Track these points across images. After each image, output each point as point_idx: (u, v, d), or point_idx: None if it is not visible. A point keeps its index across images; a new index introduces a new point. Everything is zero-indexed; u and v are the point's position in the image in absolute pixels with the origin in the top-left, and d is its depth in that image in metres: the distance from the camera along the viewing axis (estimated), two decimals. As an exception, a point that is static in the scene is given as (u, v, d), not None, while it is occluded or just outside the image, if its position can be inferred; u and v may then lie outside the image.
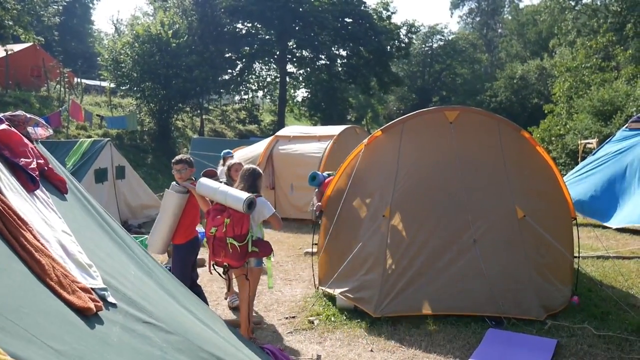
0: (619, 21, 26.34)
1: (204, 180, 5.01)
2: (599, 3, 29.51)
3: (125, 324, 2.17)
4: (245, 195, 4.65)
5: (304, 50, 36.52)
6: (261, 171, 5.27)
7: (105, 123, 22.51)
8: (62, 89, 25.93)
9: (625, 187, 10.52)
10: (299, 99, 42.67)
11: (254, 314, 5.58)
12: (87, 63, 41.01)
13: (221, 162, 9.73)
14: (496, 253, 5.59)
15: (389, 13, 37.92)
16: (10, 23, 24.14)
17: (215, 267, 4.91)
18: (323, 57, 36.40)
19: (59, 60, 30.33)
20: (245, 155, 12.83)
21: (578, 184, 11.09)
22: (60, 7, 36.49)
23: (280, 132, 13.94)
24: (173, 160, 5.48)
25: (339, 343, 5.12)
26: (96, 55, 27.62)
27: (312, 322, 5.68)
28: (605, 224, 10.36)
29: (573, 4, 30.16)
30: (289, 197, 12.51)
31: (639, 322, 5.28)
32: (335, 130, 12.99)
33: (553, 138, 22.44)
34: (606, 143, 12.06)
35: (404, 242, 5.73)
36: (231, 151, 10.54)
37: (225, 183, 5.34)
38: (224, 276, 5.25)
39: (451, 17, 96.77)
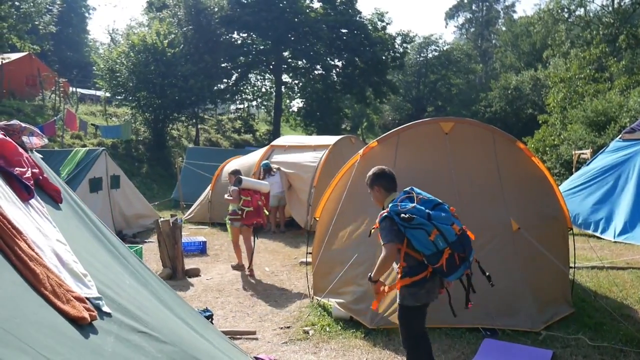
0: (612, 33, 26.60)
1: (244, 178, 8.33)
2: (591, 15, 29.78)
3: (119, 334, 2.15)
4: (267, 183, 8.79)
5: (299, 61, 36.57)
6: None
7: (100, 132, 22.47)
8: (57, 98, 25.90)
9: (621, 199, 10.57)
10: (295, 108, 42.75)
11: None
12: (82, 72, 41.09)
13: (261, 172, 11.96)
14: (491, 265, 5.56)
15: (384, 24, 38.13)
16: (6, 31, 24.15)
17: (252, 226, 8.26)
18: (318, 67, 36.45)
19: (54, 70, 30.33)
20: (241, 164, 12.83)
21: (573, 197, 11.13)
22: (56, 17, 36.50)
23: (275, 142, 13.96)
24: None
25: (334, 353, 5.10)
26: (91, 65, 27.56)
27: (307, 332, 5.65)
28: (602, 236, 10.41)
29: (566, 15, 30.39)
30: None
31: (633, 332, 5.28)
32: (331, 140, 13.01)
33: (547, 148, 22.56)
34: (600, 153, 12.13)
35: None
36: (270, 162, 11.54)
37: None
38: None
39: (446, 27, 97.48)
